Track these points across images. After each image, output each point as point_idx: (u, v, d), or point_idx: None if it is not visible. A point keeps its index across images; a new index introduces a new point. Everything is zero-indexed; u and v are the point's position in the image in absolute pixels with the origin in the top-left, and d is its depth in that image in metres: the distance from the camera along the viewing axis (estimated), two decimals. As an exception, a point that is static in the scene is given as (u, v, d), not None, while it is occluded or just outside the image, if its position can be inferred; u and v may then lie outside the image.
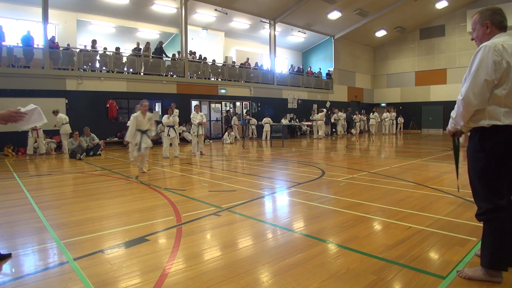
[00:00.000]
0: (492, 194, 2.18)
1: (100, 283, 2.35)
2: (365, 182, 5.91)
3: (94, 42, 14.77)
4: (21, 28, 14.19)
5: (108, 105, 14.29)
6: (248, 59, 20.86)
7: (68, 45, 14.35)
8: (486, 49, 2.11)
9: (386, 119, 22.26)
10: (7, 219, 4.01)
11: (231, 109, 19.75)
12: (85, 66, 14.20)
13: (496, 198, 2.17)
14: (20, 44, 12.90)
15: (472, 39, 2.41)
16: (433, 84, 24.22)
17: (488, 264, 2.22)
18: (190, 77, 17.09)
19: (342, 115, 21.13)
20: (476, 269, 2.31)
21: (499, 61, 2.07)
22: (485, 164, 2.17)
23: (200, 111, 10.87)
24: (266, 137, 17.68)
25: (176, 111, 11.39)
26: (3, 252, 2.88)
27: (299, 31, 22.41)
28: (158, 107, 16.61)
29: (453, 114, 2.32)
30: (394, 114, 22.75)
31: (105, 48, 15.30)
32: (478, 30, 2.32)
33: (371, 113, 22.28)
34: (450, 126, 2.42)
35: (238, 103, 20.04)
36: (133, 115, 7.18)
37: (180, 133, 15.10)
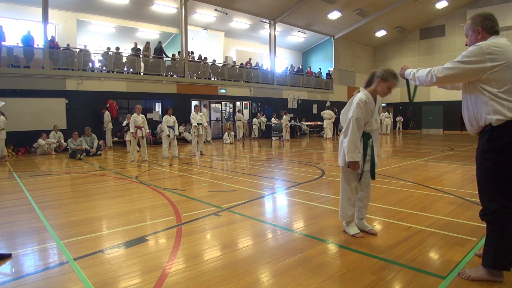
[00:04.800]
0: (500, 195, 2.15)
1: (100, 283, 2.35)
2: (365, 182, 5.89)
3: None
4: (21, 28, 14.20)
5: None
6: (250, 59, 20.85)
7: (68, 45, 14.34)
8: (479, 46, 2.19)
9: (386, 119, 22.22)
10: (7, 219, 4.01)
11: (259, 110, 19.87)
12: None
13: (504, 198, 2.14)
14: (20, 44, 12.90)
15: (466, 45, 2.45)
16: (433, 84, 24.23)
17: (492, 264, 2.21)
18: (190, 77, 17.09)
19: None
20: (478, 269, 2.30)
21: (491, 57, 2.13)
22: (494, 163, 2.15)
23: (200, 111, 10.90)
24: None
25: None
26: (3, 252, 2.88)
27: (299, 31, 22.40)
28: (158, 107, 16.63)
29: (418, 74, 2.45)
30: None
31: (108, 48, 15.28)
32: (471, 36, 2.37)
33: None
34: (406, 75, 2.61)
35: (238, 103, 20.05)
36: None
37: (180, 133, 15.14)
